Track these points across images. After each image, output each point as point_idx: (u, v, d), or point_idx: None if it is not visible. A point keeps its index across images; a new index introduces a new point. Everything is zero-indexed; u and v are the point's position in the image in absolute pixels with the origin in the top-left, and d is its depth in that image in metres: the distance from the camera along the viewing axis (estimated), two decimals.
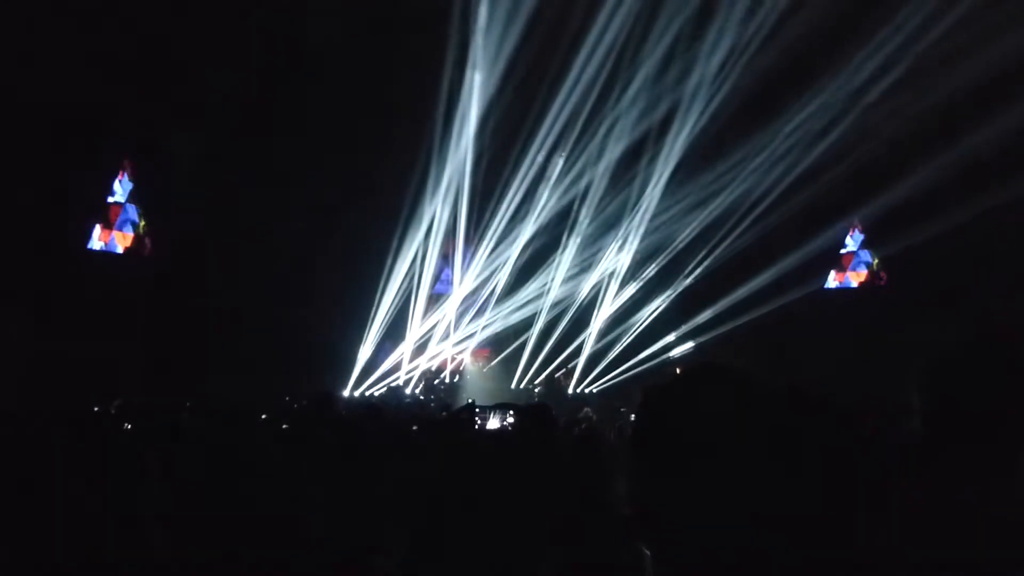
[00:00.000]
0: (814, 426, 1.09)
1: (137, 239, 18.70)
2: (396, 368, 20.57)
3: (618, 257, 21.15)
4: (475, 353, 22.02)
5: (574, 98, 19.07)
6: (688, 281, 20.71)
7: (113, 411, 8.87)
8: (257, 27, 16.88)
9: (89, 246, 18.12)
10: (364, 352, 20.20)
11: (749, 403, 1.09)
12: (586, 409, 12.31)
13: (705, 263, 20.32)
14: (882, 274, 21.85)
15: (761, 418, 1.07)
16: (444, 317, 21.12)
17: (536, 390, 20.29)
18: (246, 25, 16.61)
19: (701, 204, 20.01)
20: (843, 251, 22.23)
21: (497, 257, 21.08)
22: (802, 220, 18.99)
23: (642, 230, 20.62)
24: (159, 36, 15.87)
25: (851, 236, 22.17)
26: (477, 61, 18.55)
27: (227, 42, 16.33)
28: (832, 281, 22.10)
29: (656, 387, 1.16)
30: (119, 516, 3.02)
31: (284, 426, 7.58)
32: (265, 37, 17.17)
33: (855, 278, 22.15)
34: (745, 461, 1.04)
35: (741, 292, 19.33)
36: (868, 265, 22.05)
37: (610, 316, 21.19)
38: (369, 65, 17.74)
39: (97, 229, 18.28)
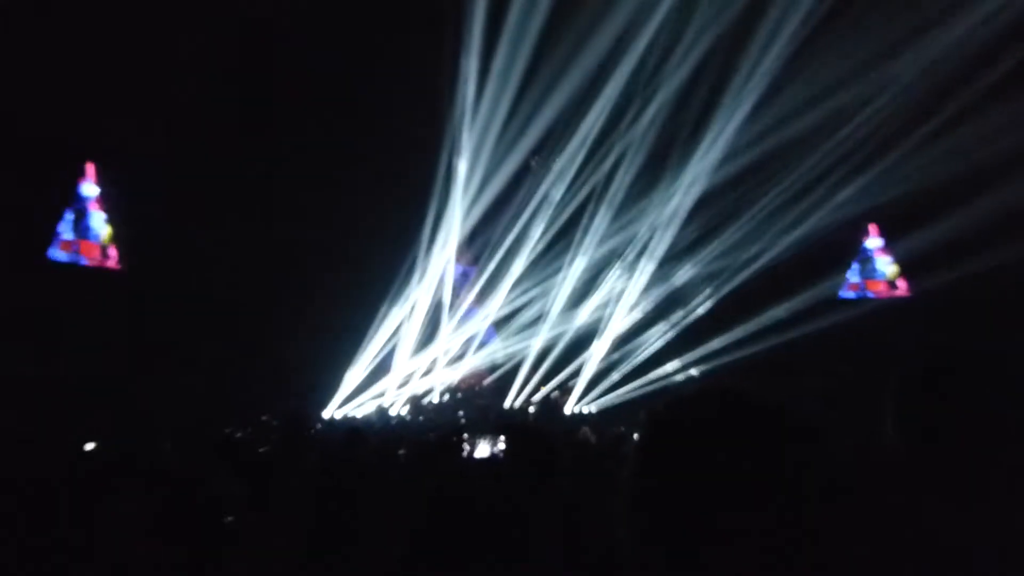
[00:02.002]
0: (814, 449, 1.14)
1: (103, 249, 18.64)
2: (383, 392, 20.73)
3: (624, 278, 21.65)
4: (467, 372, 22.23)
5: (581, 116, 19.81)
6: (698, 298, 21.09)
7: (75, 444, 8.84)
8: (239, 24, 16.96)
9: (51, 256, 18.05)
10: (353, 374, 20.33)
11: (753, 427, 1.14)
12: (584, 429, 12.24)
13: (715, 281, 20.78)
14: (900, 282, 21.96)
15: (764, 442, 1.12)
16: (439, 341, 21.53)
17: (531, 409, 20.36)
18: (227, 21, 16.68)
19: (713, 224, 20.56)
20: (858, 257, 22.35)
21: (496, 279, 21.65)
22: (815, 225, 19.16)
23: (651, 251, 21.17)
24: (128, 32, 15.87)
25: (867, 241, 22.30)
26: (475, 73, 18.94)
27: (204, 38, 16.37)
28: (847, 291, 22.18)
29: (660, 410, 1.20)
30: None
31: (261, 449, 7.61)
32: (247, 36, 17.23)
33: (872, 287, 22.22)
34: (748, 485, 1.09)
35: (751, 304, 19.53)
36: (886, 273, 22.10)
37: (615, 336, 21.54)
38: (358, 70, 17.94)
39: (59, 238, 18.21)
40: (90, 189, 18.72)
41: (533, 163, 21.14)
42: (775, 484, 1.09)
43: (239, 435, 9.10)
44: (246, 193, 18.27)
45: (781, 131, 18.69)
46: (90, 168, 18.67)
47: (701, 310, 21.12)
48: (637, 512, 1.17)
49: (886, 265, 22.13)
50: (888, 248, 22.05)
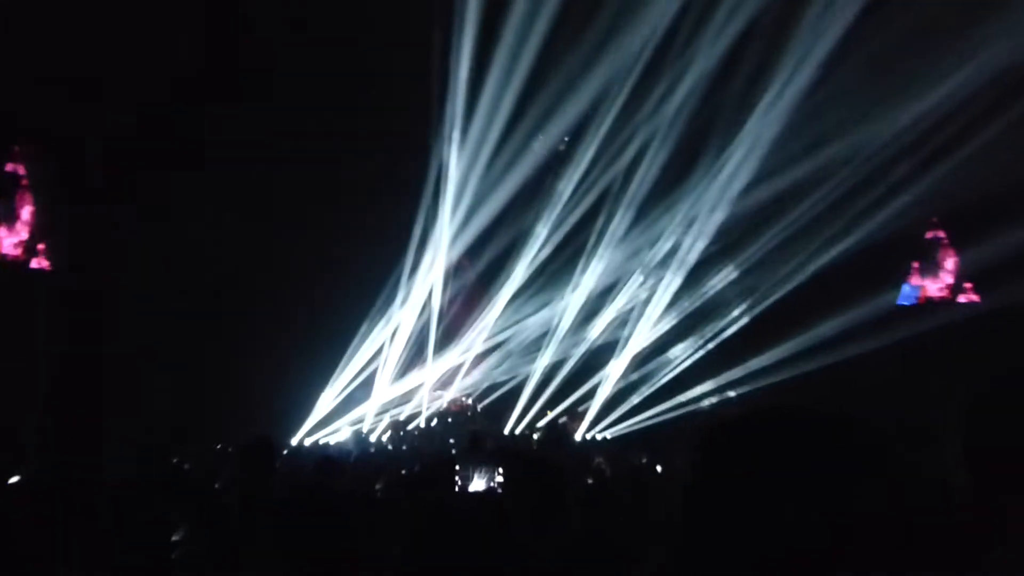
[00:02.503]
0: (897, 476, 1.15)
1: (29, 244, 18.53)
2: (362, 416, 20.87)
3: (648, 289, 21.86)
4: (460, 393, 22.41)
5: (596, 103, 20.06)
6: (734, 312, 21.26)
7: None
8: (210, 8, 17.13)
9: None
10: (328, 395, 20.43)
11: (827, 447, 1.13)
12: (598, 459, 12.30)
13: (755, 292, 20.90)
14: (968, 285, 21.92)
15: (844, 464, 1.12)
16: (426, 359, 21.82)
17: (535, 436, 20.46)
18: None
19: (752, 227, 20.65)
20: (919, 259, 22.34)
21: (495, 289, 21.90)
22: (869, 219, 19.22)
23: (680, 259, 21.33)
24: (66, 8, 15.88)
25: (929, 238, 22.28)
26: (468, 65, 19.26)
27: (170, 14, 16.45)
28: (907, 295, 22.17)
29: (719, 428, 1.19)
30: None
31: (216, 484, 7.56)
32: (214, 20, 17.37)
33: (935, 291, 22.21)
34: (827, 515, 1.08)
35: (797, 317, 19.56)
36: (951, 274, 22.11)
37: (635, 354, 21.66)
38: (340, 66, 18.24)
39: None
40: (17, 174, 18.60)
41: (537, 152, 21.24)
42: (855, 512, 1.09)
43: (188, 466, 9.05)
44: (208, 189, 18.28)
45: (832, 124, 18.84)
46: (17, 150, 18.58)
47: (737, 325, 21.15)
48: (690, 545, 1.16)
49: (951, 265, 22.15)
50: (954, 248, 22.05)
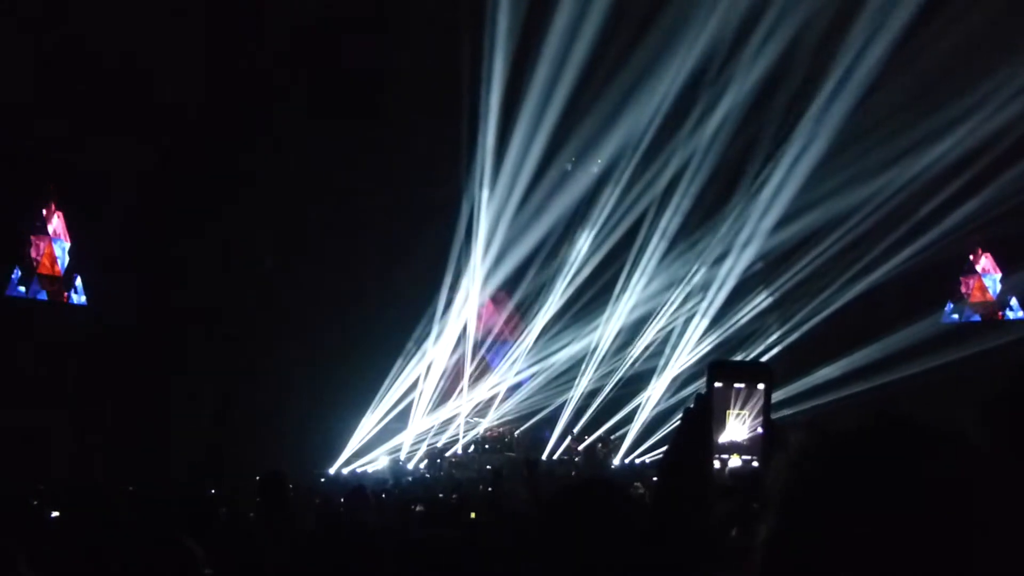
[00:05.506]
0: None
1: (65, 279, 18.63)
2: (399, 444, 20.98)
3: (687, 311, 21.83)
4: (496, 420, 22.51)
5: (634, 125, 20.03)
6: (778, 333, 21.08)
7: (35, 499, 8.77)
8: (227, 27, 17.27)
9: (9, 292, 18.07)
10: (367, 423, 20.47)
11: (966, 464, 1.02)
12: (636, 484, 12.19)
13: (799, 314, 20.73)
14: (1013, 303, 21.64)
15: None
16: (463, 386, 21.95)
17: (576, 459, 20.37)
18: (209, 24, 17.01)
19: (793, 249, 20.56)
20: (963, 276, 22.10)
21: (529, 316, 22.06)
22: (913, 240, 19.10)
23: (720, 281, 21.22)
24: (99, 39, 16.01)
25: (975, 258, 22.04)
26: (501, 81, 19.27)
27: (186, 45, 16.59)
28: (951, 314, 21.94)
29: (835, 436, 1.06)
30: None
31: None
32: (236, 37, 17.52)
33: (979, 309, 21.92)
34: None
35: (843, 338, 19.51)
36: (996, 293, 21.85)
37: (675, 378, 21.54)
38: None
39: (18, 272, 18.20)
40: (52, 211, 18.72)
41: (572, 180, 21.36)
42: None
43: (224, 508, 8.93)
44: (244, 223, 18.38)
45: (875, 144, 18.83)
46: (52, 188, 18.72)
47: (781, 346, 20.95)
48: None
49: (995, 282, 21.89)
50: (998, 265, 21.83)
